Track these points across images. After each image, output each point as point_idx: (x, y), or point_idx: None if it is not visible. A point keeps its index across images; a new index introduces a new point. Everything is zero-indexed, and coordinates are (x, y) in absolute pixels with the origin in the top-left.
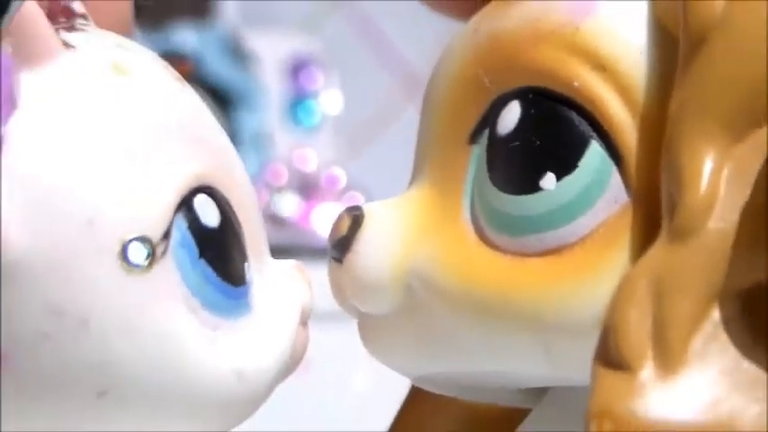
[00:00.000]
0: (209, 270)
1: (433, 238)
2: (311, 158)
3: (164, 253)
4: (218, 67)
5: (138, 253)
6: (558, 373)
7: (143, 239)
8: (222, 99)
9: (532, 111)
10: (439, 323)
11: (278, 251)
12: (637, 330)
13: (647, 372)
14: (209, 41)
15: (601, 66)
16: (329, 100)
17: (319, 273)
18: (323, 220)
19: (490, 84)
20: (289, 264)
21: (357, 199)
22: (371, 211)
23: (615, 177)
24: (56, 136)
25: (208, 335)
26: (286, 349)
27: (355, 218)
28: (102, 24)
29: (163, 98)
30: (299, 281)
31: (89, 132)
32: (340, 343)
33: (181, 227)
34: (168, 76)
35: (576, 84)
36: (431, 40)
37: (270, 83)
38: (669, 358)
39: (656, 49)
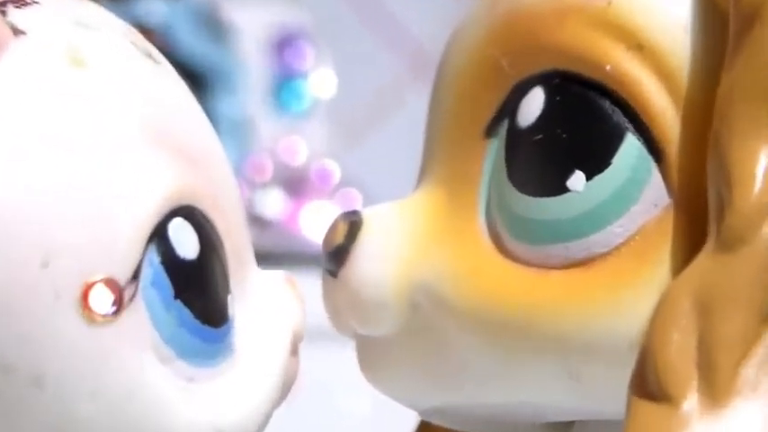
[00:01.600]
0: (186, 312)
1: (442, 247)
2: (299, 150)
3: (132, 296)
4: (191, 43)
5: (102, 299)
6: (585, 405)
7: (108, 282)
8: (195, 80)
9: (558, 98)
10: (449, 346)
11: (261, 258)
12: (679, 355)
13: (692, 403)
14: (180, 12)
15: (637, 45)
16: (320, 81)
17: (308, 283)
18: (313, 222)
19: (509, 67)
20: (278, 276)
21: (352, 196)
22: (371, 216)
23: (655, 176)
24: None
25: (183, 387)
26: (273, 392)
27: (352, 224)
28: None
29: (128, 96)
30: (290, 298)
31: (40, 148)
32: (333, 363)
33: (153, 262)
34: (136, 59)
35: (608, 67)
36: (440, 12)
37: (251, 61)
38: (716, 387)
39: (701, 27)
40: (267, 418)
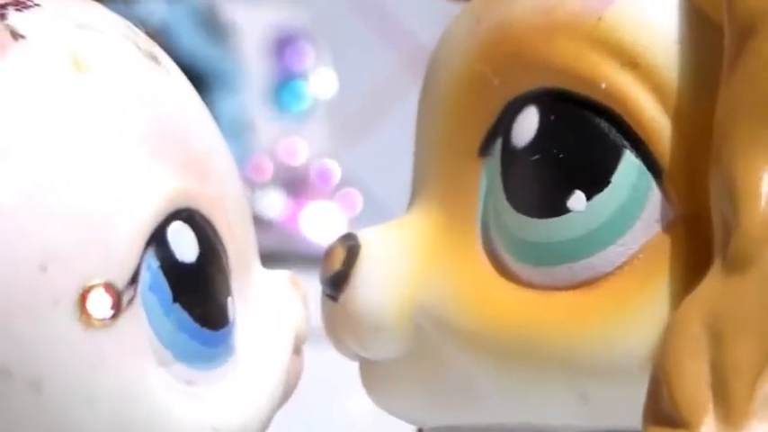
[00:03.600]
0: (185, 315)
1: (442, 269)
2: (299, 150)
3: (131, 301)
4: (191, 43)
5: (99, 303)
6: (596, 424)
7: (106, 286)
8: (195, 80)
9: (553, 117)
10: (454, 368)
11: (261, 258)
12: (693, 381)
13: (709, 428)
14: (180, 12)
15: (631, 62)
16: (320, 81)
17: (309, 283)
18: (313, 222)
19: (500, 84)
20: (282, 276)
21: (353, 197)
22: (369, 239)
23: (655, 193)
24: None
25: (182, 390)
26: (275, 393)
27: (350, 249)
28: None
29: (130, 100)
30: (294, 299)
31: (39, 153)
32: (333, 364)
33: (151, 266)
34: (139, 61)
35: (603, 84)
36: (440, 12)
37: (251, 61)
38: (732, 410)
39: (693, 40)
40: (269, 419)
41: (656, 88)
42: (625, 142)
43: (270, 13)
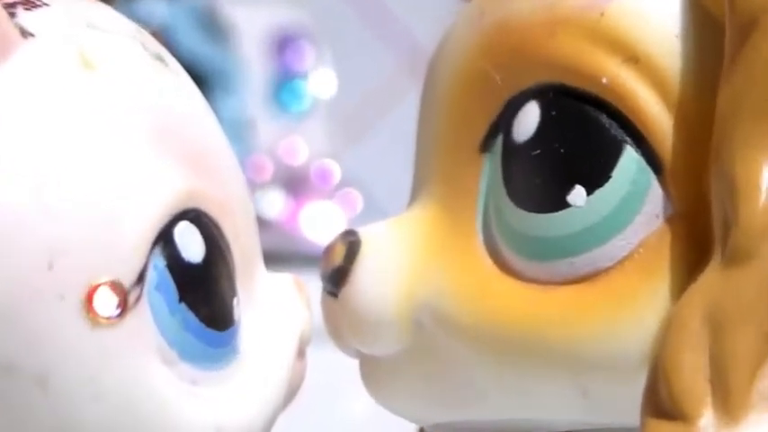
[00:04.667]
0: (191, 315)
1: (443, 265)
2: (299, 150)
3: (137, 300)
4: (191, 42)
5: (106, 302)
6: (596, 419)
7: (113, 285)
8: (195, 80)
9: (554, 113)
10: (455, 364)
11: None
12: (692, 373)
13: (707, 420)
14: (180, 12)
15: (632, 57)
16: (320, 81)
17: (309, 284)
18: (313, 222)
19: (501, 81)
20: (286, 279)
21: (352, 196)
22: (369, 236)
23: (655, 188)
24: (5, 156)
25: (186, 390)
26: (279, 395)
27: (351, 245)
28: None
29: (138, 100)
30: (298, 301)
31: (48, 149)
32: (334, 364)
33: (158, 266)
34: (146, 61)
35: (604, 79)
36: (440, 12)
37: (251, 61)
38: (731, 403)
39: (694, 36)
40: (272, 421)
41: (658, 84)
42: (626, 137)
43: (270, 12)
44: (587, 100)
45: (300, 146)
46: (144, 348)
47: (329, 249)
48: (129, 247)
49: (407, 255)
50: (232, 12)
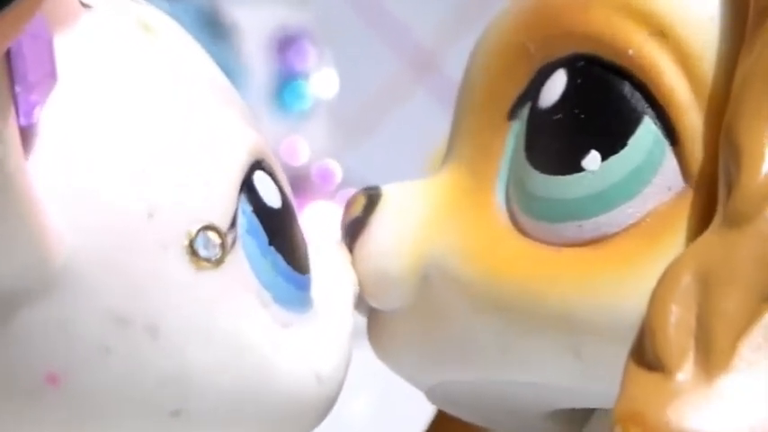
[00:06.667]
0: (279, 258)
1: (458, 222)
2: (301, 150)
3: (233, 243)
4: None
5: (209, 244)
6: (588, 385)
7: (212, 228)
8: None
9: (579, 80)
10: (456, 320)
11: None
12: (677, 327)
13: (686, 374)
14: (182, 12)
15: (660, 31)
16: (322, 81)
17: None
18: (315, 222)
19: (535, 51)
20: (329, 242)
21: None
22: (390, 191)
23: (670, 161)
24: (97, 115)
25: (281, 333)
26: (348, 345)
27: (371, 198)
28: None
29: (196, 58)
30: (345, 262)
31: (133, 107)
32: None
33: (246, 211)
34: (182, 29)
35: (630, 51)
36: (441, 12)
37: (253, 61)
38: (712, 360)
39: (725, 17)
40: (347, 370)
41: (683, 60)
42: (646, 108)
43: (272, 13)
44: (613, 70)
45: (302, 146)
46: (244, 291)
47: (351, 201)
48: (220, 193)
49: (425, 211)
50: (234, 12)
